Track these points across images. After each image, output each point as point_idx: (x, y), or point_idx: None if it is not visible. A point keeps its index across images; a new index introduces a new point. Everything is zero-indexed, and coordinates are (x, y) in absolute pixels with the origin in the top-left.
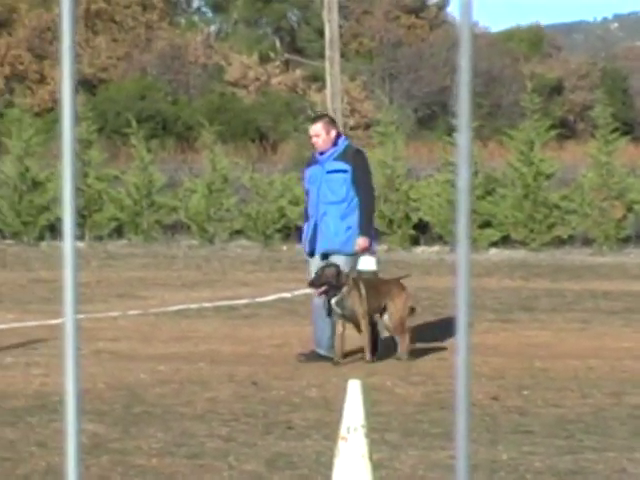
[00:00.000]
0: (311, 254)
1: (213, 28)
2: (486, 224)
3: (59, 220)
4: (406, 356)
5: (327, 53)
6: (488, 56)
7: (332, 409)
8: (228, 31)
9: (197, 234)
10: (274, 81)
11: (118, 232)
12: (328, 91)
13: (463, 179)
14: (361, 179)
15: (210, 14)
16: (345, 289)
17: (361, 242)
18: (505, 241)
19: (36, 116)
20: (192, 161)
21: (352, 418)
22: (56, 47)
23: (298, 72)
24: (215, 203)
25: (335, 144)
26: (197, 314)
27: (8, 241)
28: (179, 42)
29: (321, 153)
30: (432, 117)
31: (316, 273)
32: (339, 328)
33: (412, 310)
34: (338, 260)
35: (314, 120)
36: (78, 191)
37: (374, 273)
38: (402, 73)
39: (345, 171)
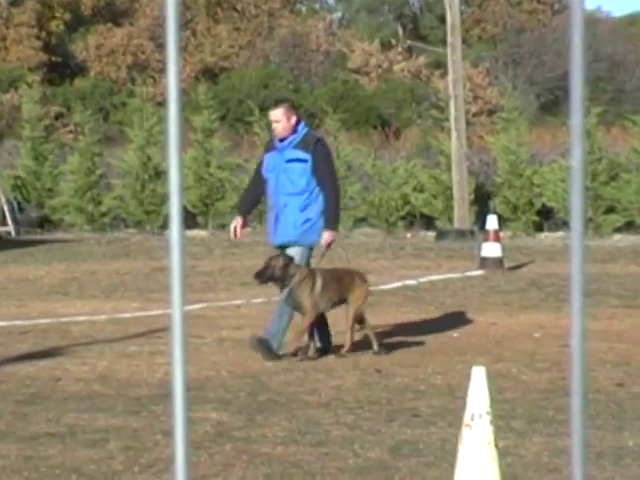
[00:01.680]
0: (280, 246)
1: (335, 15)
2: (610, 210)
3: (183, 209)
4: (380, 350)
5: (449, 39)
6: (611, 41)
7: (457, 396)
8: (350, 18)
9: None
10: (396, 68)
11: None
12: (450, 77)
13: (577, 159)
14: (323, 169)
15: (331, 1)
16: (295, 280)
17: (327, 236)
18: (629, 227)
19: (158, 105)
20: None
21: (477, 405)
22: (180, 36)
23: (421, 59)
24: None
25: (294, 131)
26: None
27: (131, 230)
28: (301, 30)
29: (281, 140)
30: (555, 102)
31: (264, 264)
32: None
33: (361, 320)
34: (294, 251)
35: (275, 105)
36: (200, 180)
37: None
38: (525, 59)
39: (305, 161)
